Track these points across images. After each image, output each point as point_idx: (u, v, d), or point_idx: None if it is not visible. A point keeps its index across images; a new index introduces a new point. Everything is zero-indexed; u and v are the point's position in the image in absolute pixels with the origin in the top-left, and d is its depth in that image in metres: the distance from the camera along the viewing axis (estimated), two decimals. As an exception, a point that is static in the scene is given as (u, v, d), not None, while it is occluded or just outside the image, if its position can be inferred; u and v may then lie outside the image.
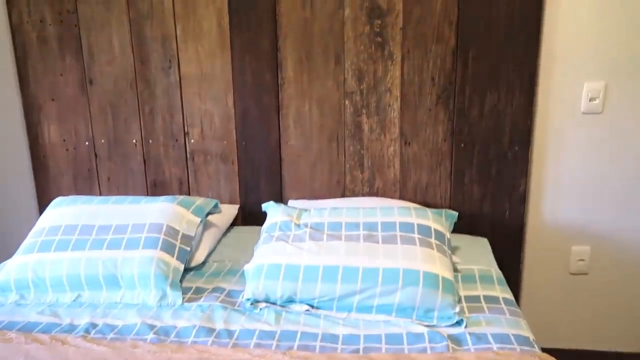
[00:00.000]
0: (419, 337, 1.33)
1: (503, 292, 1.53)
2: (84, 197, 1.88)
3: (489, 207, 2.00)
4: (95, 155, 2.15)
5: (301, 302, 1.47)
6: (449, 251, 1.61)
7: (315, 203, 1.96)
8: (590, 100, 1.90)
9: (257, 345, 1.30)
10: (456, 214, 1.81)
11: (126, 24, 2.01)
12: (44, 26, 2.05)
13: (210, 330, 1.37)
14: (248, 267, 1.57)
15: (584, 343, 2.12)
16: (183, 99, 2.05)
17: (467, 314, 1.41)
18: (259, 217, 1.94)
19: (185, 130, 2.08)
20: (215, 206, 1.92)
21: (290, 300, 1.48)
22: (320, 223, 1.66)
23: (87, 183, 2.18)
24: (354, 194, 2.06)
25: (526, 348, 1.26)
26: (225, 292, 1.58)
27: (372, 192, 2.05)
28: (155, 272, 1.55)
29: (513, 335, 1.31)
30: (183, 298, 1.54)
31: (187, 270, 1.71)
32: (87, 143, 2.14)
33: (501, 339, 1.30)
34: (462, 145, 1.96)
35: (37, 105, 2.13)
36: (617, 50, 1.86)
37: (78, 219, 1.73)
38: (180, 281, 1.62)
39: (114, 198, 1.85)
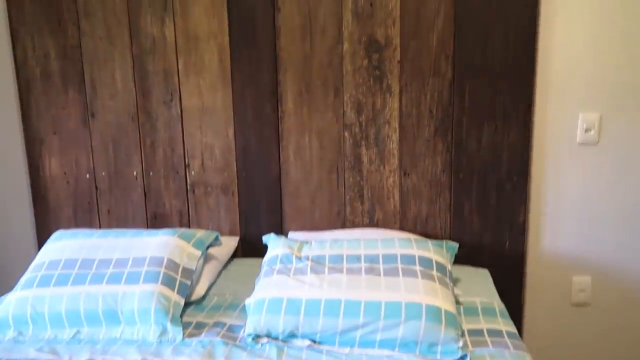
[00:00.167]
0: (422, 372, 1.31)
1: (506, 325, 1.53)
2: (84, 231, 1.88)
3: (489, 237, 2.00)
4: (96, 188, 2.16)
5: (303, 336, 1.46)
6: (451, 283, 1.61)
7: (315, 235, 1.97)
8: (585, 131, 1.93)
9: (259, 383, 1.28)
10: (457, 245, 1.81)
11: (129, 59, 2.04)
12: (47, 61, 2.08)
13: (211, 367, 1.36)
14: (249, 301, 1.56)
15: (588, 375, 2.10)
16: (184, 132, 2.07)
17: (470, 348, 1.40)
18: (259, 249, 1.93)
19: (186, 163, 2.10)
20: (216, 238, 1.92)
21: (292, 335, 1.47)
22: (321, 256, 1.66)
23: (87, 216, 2.18)
24: (354, 225, 2.06)
25: (531, 383, 1.24)
26: (226, 326, 1.56)
27: (372, 223, 2.05)
28: (156, 307, 1.54)
29: (518, 370, 1.30)
30: (183, 333, 1.52)
31: (187, 304, 1.69)
32: (87, 176, 2.15)
33: (506, 374, 1.28)
34: (461, 176, 1.98)
35: (38, 138, 2.14)
36: (611, 81, 1.90)
37: (78, 253, 1.72)
38: (181, 316, 1.60)
39: (115, 231, 1.85)
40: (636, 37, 1.87)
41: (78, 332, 1.56)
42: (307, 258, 1.65)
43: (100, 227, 2.17)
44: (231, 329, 1.55)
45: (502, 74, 1.90)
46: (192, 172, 2.10)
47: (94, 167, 2.14)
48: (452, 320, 1.42)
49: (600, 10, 1.86)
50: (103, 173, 2.14)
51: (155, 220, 2.15)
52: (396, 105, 1.97)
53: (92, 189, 2.16)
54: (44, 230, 2.20)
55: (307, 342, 1.45)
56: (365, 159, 2.01)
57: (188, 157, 2.09)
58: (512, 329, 1.52)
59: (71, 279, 1.63)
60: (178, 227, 2.13)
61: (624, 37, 1.87)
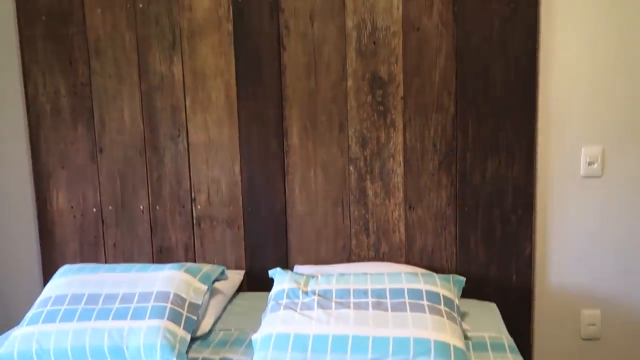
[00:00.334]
0: (432, 410, 1.29)
1: (516, 361, 1.51)
2: (91, 266, 1.88)
3: (496, 270, 2.00)
4: (102, 222, 2.17)
5: (310, 373, 1.44)
6: (459, 318, 1.60)
7: (322, 268, 1.96)
8: (589, 165, 1.95)
9: (267, 422, 1.26)
10: (464, 279, 1.81)
11: (137, 96, 2.09)
12: (57, 97, 2.12)
13: (217, 406, 1.34)
14: (256, 337, 1.55)
15: (600, 412, 2.05)
16: (191, 166, 2.10)
17: (480, 385, 1.38)
18: (264, 282, 1.93)
19: (192, 197, 2.11)
20: (222, 273, 1.92)
21: (300, 372, 1.45)
22: (328, 290, 1.65)
23: (93, 249, 2.18)
24: (360, 258, 2.06)
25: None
26: (233, 363, 1.55)
27: (378, 257, 2.05)
28: (162, 342, 1.53)
29: (529, 407, 1.28)
30: (189, 370, 1.50)
31: (193, 339, 1.68)
32: (94, 210, 2.16)
33: (517, 411, 1.26)
34: (466, 209, 1.99)
35: (47, 172, 2.17)
36: (613, 114, 1.93)
37: (85, 288, 1.72)
38: (187, 351, 1.59)
39: (121, 266, 1.85)
40: (636, 70, 1.91)
41: (83, 369, 1.54)
42: (314, 292, 1.65)
43: (106, 261, 2.17)
44: (237, 365, 1.54)
45: (504, 109, 1.93)
46: (198, 206, 2.11)
47: (100, 201, 2.16)
48: (461, 356, 1.41)
49: (599, 45, 1.90)
50: (110, 207, 2.16)
51: (161, 254, 2.15)
52: (400, 139, 2.00)
53: (98, 222, 2.17)
54: (50, 263, 2.20)
55: (315, 379, 1.43)
56: (370, 193, 2.03)
57: (194, 191, 2.11)
58: (522, 364, 1.50)
59: (77, 314, 1.62)
60: (184, 260, 2.13)
61: (623, 70, 1.91)
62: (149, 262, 2.15)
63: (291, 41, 1.99)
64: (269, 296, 1.73)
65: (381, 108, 1.99)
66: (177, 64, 2.05)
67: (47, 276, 2.17)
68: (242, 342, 1.67)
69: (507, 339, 1.64)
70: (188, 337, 1.61)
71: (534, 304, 2.04)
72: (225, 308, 1.92)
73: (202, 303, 1.72)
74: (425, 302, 1.56)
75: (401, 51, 1.95)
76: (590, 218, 1.98)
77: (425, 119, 1.97)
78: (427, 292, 1.61)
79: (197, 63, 2.04)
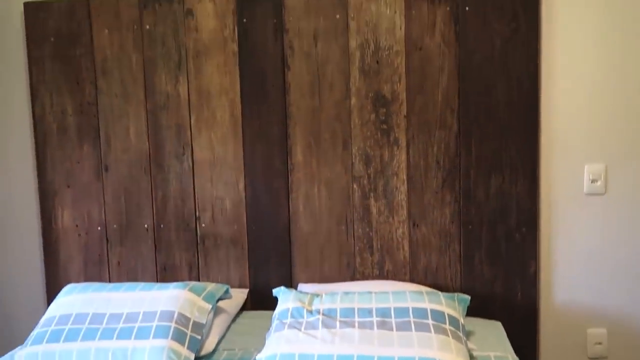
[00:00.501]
0: None
1: (522, 381, 1.49)
2: (95, 284, 1.89)
3: (500, 288, 1.99)
4: (107, 240, 2.17)
5: (315, 394, 1.43)
6: (464, 337, 1.59)
7: (326, 287, 1.96)
8: (592, 182, 1.96)
9: None
10: (469, 298, 1.80)
11: (143, 114, 2.11)
12: (64, 116, 2.15)
13: None
14: (260, 357, 1.54)
15: None
16: (195, 185, 2.11)
17: (487, 406, 1.37)
18: (268, 301, 1.92)
19: (197, 215, 2.12)
20: (226, 292, 1.91)
21: (304, 392, 1.44)
22: (332, 309, 1.65)
23: (97, 268, 2.18)
24: (364, 276, 2.06)
25: None
26: (237, 383, 1.54)
27: (382, 274, 2.05)
28: (166, 363, 1.52)
29: None
30: (193, 390, 1.50)
31: (197, 359, 1.67)
32: (99, 228, 2.17)
33: None
34: (470, 226, 1.99)
35: (52, 191, 2.18)
36: (615, 132, 1.94)
37: (89, 307, 1.72)
38: (190, 372, 1.58)
39: (126, 285, 1.85)
40: (637, 89, 1.92)
41: (87, 389, 1.53)
42: (318, 312, 1.64)
43: (110, 279, 2.17)
44: (242, 385, 1.53)
45: (507, 127, 1.95)
46: (203, 225, 2.12)
47: (105, 220, 2.17)
48: (467, 377, 1.40)
49: (600, 63, 1.92)
50: (114, 225, 2.16)
51: (164, 272, 2.15)
52: (404, 157, 2.01)
53: (103, 241, 2.18)
54: (54, 281, 2.20)
55: (320, 400, 1.42)
56: (374, 210, 2.03)
57: (199, 210, 2.12)
58: (529, 385, 1.49)
59: (81, 334, 1.62)
60: (187, 279, 2.13)
61: (625, 87, 1.92)
62: (152, 280, 2.15)
63: (295, 61, 2.01)
64: (273, 315, 1.73)
65: (384, 126, 2.00)
66: (183, 84, 2.07)
67: (51, 294, 2.17)
68: (246, 361, 1.66)
69: (512, 358, 1.63)
70: (192, 356, 1.60)
71: (540, 323, 2.02)
72: (229, 327, 1.91)
73: (206, 322, 1.72)
74: (430, 321, 1.56)
75: (404, 70, 1.97)
76: (594, 235, 1.97)
77: (429, 137, 1.99)
78: (432, 311, 1.60)
79: (203, 82, 2.06)
